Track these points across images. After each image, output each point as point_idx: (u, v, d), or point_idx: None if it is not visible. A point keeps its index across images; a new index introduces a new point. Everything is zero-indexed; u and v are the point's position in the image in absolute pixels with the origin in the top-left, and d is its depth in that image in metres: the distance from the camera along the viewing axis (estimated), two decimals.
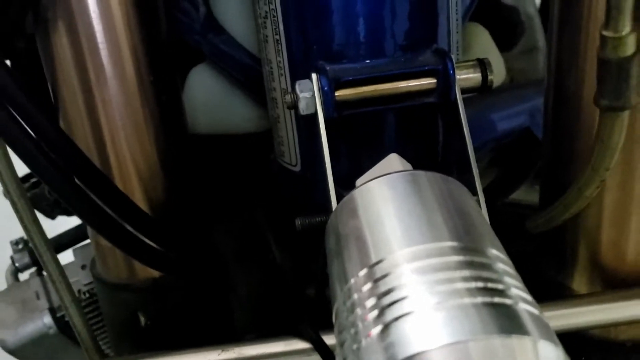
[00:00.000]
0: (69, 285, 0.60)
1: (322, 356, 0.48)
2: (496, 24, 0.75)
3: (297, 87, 0.48)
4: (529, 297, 0.31)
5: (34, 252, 0.58)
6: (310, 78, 0.48)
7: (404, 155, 0.42)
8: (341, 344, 0.31)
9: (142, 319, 0.61)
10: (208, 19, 0.64)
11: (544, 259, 0.56)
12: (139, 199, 0.57)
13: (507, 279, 0.31)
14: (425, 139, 0.55)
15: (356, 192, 0.38)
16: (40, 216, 0.59)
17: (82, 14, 0.52)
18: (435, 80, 0.49)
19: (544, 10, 0.82)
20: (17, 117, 0.49)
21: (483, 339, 0.27)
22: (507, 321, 0.28)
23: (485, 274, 0.30)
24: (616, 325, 0.51)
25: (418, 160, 0.43)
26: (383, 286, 0.30)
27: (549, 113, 0.53)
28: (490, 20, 0.74)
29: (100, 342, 0.65)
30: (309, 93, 0.47)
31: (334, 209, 0.40)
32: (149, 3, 0.56)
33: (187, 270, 0.60)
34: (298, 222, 0.48)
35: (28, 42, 0.56)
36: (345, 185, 0.42)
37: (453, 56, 0.49)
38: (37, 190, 0.83)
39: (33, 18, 0.54)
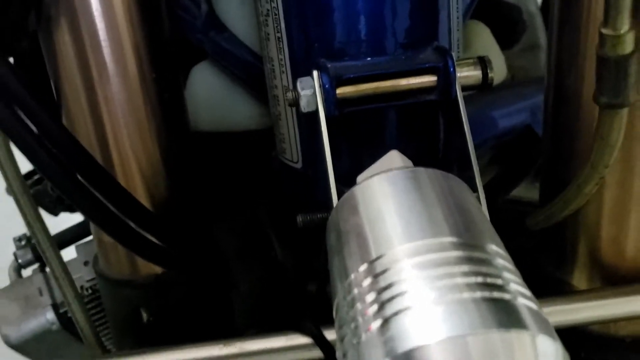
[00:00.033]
0: (71, 282, 0.60)
1: (322, 351, 0.49)
2: (497, 21, 0.75)
3: (298, 84, 0.48)
4: (527, 293, 0.31)
5: (37, 248, 0.59)
6: (311, 75, 0.48)
7: (404, 152, 0.43)
8: (341, 338, 0.32)
9: (145, 315, 0.61)
10: (210, 16, 0.64)
11: (544, 255, 0.57)
12: (141, 196, 0.58)
13: (506, 275, 0.31)
14: (426, 136, 0.56)
15: (357, 189, 0.38)
16: (43, 213, 0.60)
17: (85, 12, 0.53)
18: (435, 78, 0.49)
19: (545, 8, 0.82)
20: (21, 114, 0.49)
21: (482, 333, 0.27)
22: (505, 316, 0.28)
23: (484, 269, 0.31)
24: (616, 321, 0.51)
25: (419, 157, 0.43)
26: (383, 281, 0.31)
27: (549, 111, 0.54)
28: (492, 18, 0.74)
29: (103, 338, 0.65)
30: (310, 90, 0.48)
31: (334, 206, 0.40)
32: (151, 1, 0.56)
33: (189, 266, 0.60)
34: (299, 218, 0.48)
35: (31, 39, 0.56)
36: (347, 182, 0.42)
37: (454, 54, 0.49)
38: (40, 187, 0.84)
39: (36, 16, 0.54)
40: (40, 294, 0.82)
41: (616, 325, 0.52)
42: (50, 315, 0.80)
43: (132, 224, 0.55)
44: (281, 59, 0.54)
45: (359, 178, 0.41)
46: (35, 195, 0.83)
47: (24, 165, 0.55)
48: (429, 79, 0.49)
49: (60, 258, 0.59)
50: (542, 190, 0.58)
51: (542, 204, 0.55)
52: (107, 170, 0.55)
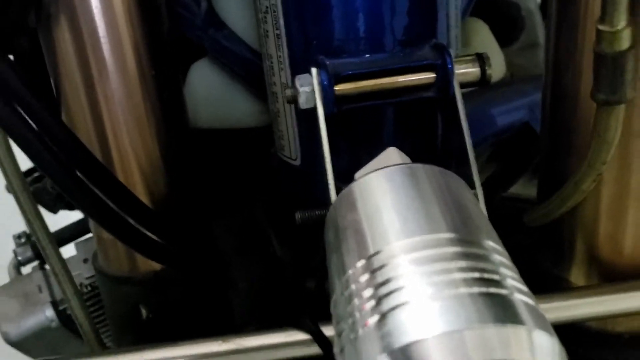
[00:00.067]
0: (71, 279, 0.60)
1: (320, 347, 0.49)
2: (496, 19, 0.75)
3: (297, 81, 0.48)
4: (524, 288, 0.31)
5: (37, 246, 0.59)
6: (310, 73, 0.48)
7: (403, 149, 0.43)
8: (339, 333, 0.32)
9: (144, 312, 0.61)
10: (209, 14, 0.64)
11: (542, 252, 0.57)
12: (141, 193, 0.58)
13: (503, 270, 0.31)
14: (425, 133, 0.56)
15: (355, 185, 0.39)
16: (42, 210, 0.60)
17: (84, 9, 0.53)
18: (434, 75, 0.49)
19: (544, 6, 0.82)
20: (21, 111, 0.50)
21: (478, 328, 0.27)
22: (502, 311, 0.28)
23: (481, 264, 0.31)
24: (613, 317, 0.51)
25: (417, 154, 0.43)
26: (380, 277, 0.31)
27: (547, 108, 0.54)
28: (491, 16, 0.74)
29: (102, 335, 0.65)
30: (309, 87, 0.48)
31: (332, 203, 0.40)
32: None
33: (188, 263, 0.61)
34: (298, 215, 0.49)
35: (31, 37, 0.56)
36: (345, 179, 0.42)
37: (452, 51, 0.49)
38: (40, 184, 0.84)
39: (35, 13, 0.54)
40: (40, 291, 0.82)
41: (614, 321, 0.52)
42: (49, 312, 0.80)
43: (131, 221, 0.55)
44: (280, 56, 0.54)
45: (357, 175, 0.41)
46: (35, 193, 0.83)
47: (24, 163, 0.56)
48: (427, 76, 0.49)
49: (59, 255, 0.59)
50: (540, 187, 0.58)
51: (539, 200, 0.56)
52: (107, 168, 0.55)
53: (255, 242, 0.68)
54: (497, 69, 0.72)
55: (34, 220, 0.56)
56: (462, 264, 0.30)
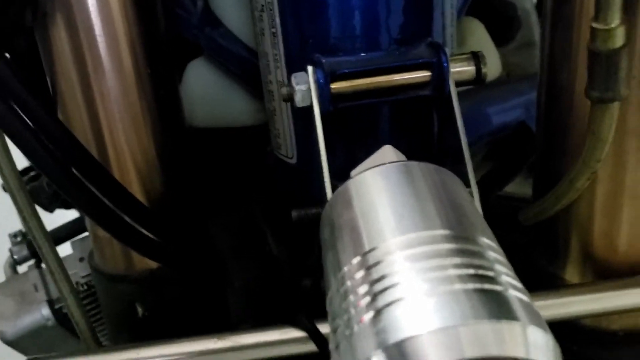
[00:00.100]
0: (67, 277, 0.60)
1: (316, 344, 0.49)
2: (492, 18, 0.75)
3: (293, 79, 0.48)
4: (519, 285, 0.31)
5: (33, 244, 0.59)
6: (306, 71, 0.48)
7: (399, 147, 0.43)
8: (334, 330, 0.32)
9: (140, 310, 0.61)
10: (205, 12, 0.64)
11: (537, 250, 0.57)
12: (137, 191, 0.58)
13: (498, 267, 0.31)
14: (420, 131, 0.56)
15: (350, 183, 0.39)
16: (38, 209, 0.60)
17: (80, 8, 0.53)
18: (429, 73, 0.49)
19: (540, 5, 0.82)
20: (17, 109, 0.50)
21: (473, 324, 0.27)
22: (496, 307, 0.28)
23: (476, 261, 0.31)
24: (608, 314, 0.51)
25: (413, 152, 0.44)
26: (375, 273, 0.31)
27: (542, 106, 0.54)
28: (487, 15, 0.74)
29: (99, 334, 0.65)
30: (305, 86, 0.48)
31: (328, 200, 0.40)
32: None
33: (184, 261, 0.61)
34: (294, 213, 0.49)
35: (27, 35, 0.56)
36: (341, 177, 0.42)
37: (448, 49, 0.49)
38: (36, 183, 0.84)
39: (32, 12, 0.54)
40: (36, 289, 0.82)
41: (608, 319, 0.52)
42: (45, 311, 0.80)
43: (127, 219, 0.55)
44: (276, 55, 0.54)
45: (353, 172, 0.41)
46: (32, 192, 0.83)
47: (21, 161, 0.55)
48: (422, 74, 0.49)
49: (56, 254, 0.59)
50: (535, 186, 0.58)
51: (535, 199, 0.56)
52: (103, 165, 0.55)
53: (252, 241, 0.68)
54: (493, 67, 0.72)
55: (30, 219, 0.56)
56: (457, 260, 0.31)
